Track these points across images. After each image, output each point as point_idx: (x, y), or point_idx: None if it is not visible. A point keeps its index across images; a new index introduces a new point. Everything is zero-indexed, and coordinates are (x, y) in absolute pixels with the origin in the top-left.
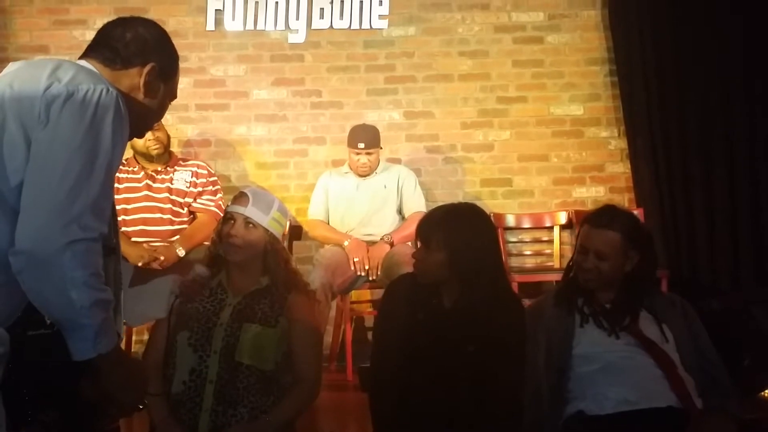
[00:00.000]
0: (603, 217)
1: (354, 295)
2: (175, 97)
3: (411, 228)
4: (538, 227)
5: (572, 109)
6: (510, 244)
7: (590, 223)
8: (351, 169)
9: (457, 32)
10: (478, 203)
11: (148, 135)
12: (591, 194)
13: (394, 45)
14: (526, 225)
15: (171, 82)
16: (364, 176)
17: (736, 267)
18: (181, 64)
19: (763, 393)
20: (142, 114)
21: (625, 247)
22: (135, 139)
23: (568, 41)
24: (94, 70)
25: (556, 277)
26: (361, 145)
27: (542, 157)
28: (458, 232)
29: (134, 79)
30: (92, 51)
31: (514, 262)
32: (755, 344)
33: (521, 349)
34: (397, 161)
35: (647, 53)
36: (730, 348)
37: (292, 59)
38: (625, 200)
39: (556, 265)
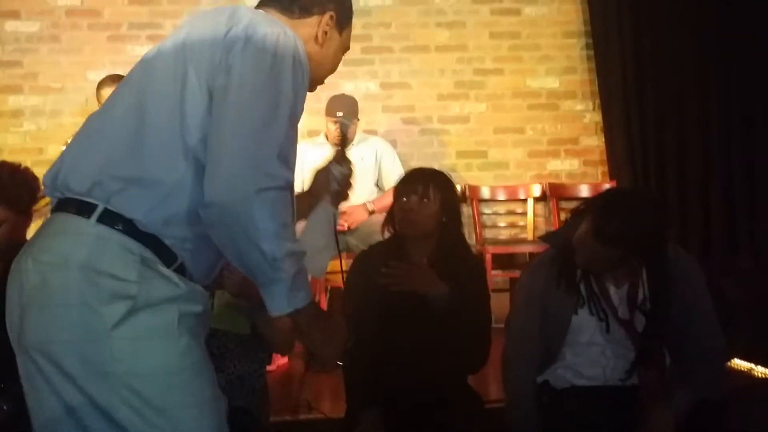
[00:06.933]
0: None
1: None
2: (347, 48)
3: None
4: (513, 199)
5: (548, 82)
6: (484, 216)
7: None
8: (327, 139)
9: (435, 3)
10: (454, 175)
11: None
12: (565, 167)
13: (371, 15)
14: (501, 197)
15: (345, 33)
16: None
17: (707, 238)
18: None
19: (729, 363)
20: (316, 66)
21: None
22: None
23: (545, 13)
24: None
25: (529, 248)
26: (340, 114)
27: (518, 130)
28: (446, 189)
29: (312, 28)
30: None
31: (488, 233)
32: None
33: (485, 298)
34: (373, 132)
35: (624, 26)
36: None
37: None
38: (599, 173)
39: (530, 237)
